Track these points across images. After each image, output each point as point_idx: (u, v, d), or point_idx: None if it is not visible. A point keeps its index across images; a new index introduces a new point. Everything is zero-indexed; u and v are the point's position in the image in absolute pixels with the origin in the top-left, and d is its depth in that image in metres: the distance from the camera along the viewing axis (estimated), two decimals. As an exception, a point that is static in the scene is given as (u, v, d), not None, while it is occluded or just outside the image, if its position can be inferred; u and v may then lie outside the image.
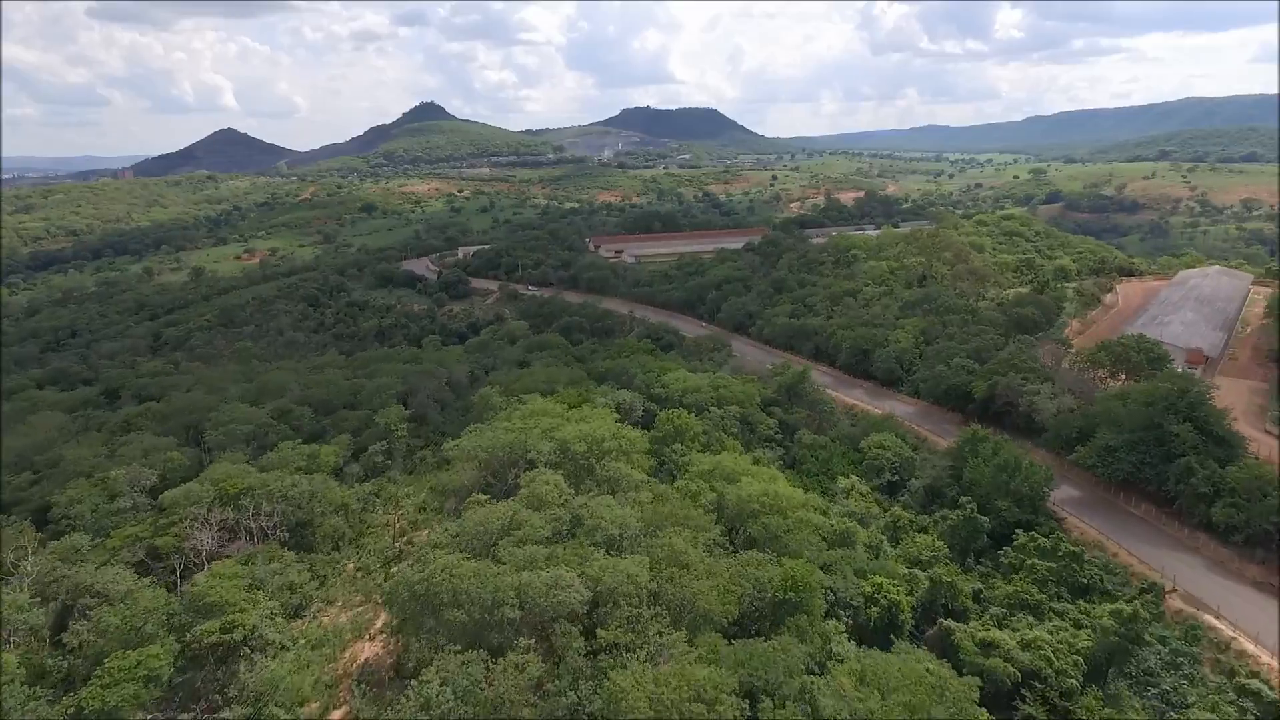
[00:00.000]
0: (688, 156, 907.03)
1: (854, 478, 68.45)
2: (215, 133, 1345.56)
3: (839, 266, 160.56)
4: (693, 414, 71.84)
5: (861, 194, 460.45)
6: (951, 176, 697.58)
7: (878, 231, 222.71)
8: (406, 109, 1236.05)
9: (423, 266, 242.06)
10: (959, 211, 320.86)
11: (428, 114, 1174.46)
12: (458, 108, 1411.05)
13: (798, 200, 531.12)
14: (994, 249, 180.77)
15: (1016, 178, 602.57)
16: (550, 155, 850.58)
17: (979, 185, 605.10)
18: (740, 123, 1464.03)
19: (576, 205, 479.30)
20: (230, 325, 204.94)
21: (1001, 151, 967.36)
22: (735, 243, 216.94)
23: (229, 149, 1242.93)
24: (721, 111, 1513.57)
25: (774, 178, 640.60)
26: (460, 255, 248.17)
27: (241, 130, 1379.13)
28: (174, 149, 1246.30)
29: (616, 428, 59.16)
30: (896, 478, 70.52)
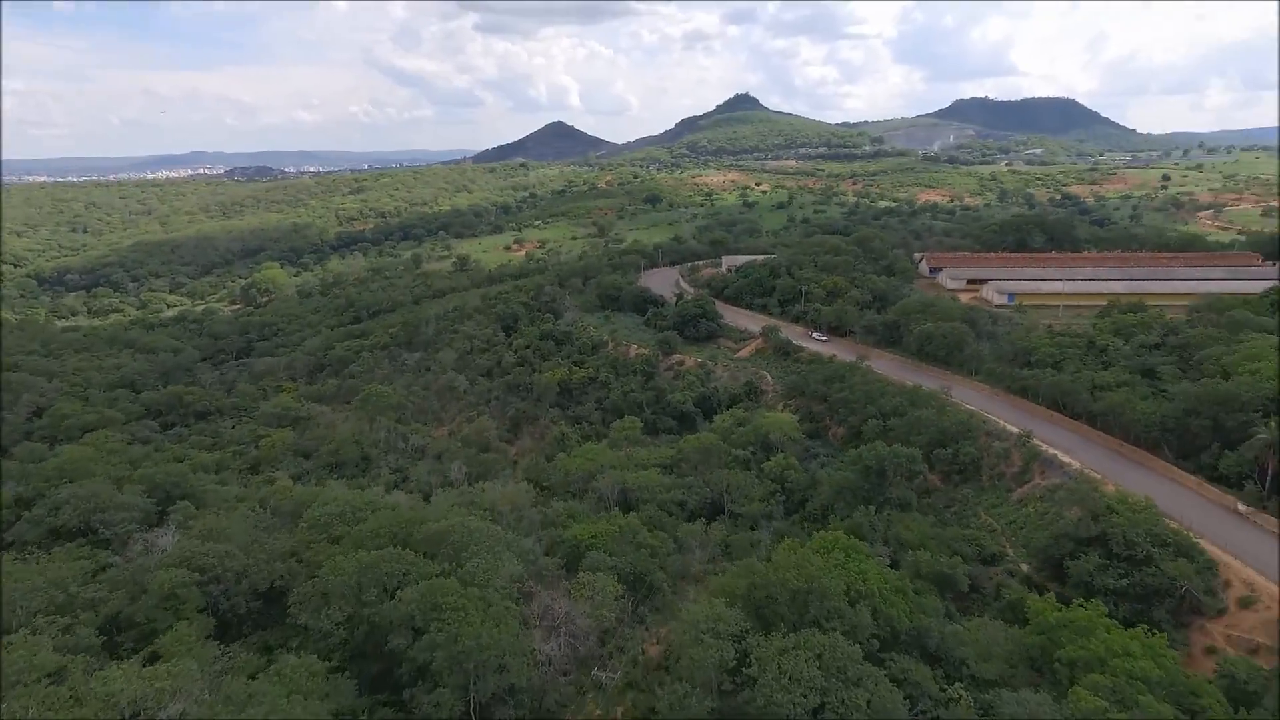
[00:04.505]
0: (1037, 151, 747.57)
1: None
2: (546, 125, 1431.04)
3: None
4: None
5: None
6: None
7: None
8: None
9: (670, 280, 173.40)
10: None
11: (740, 105, 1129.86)
12: (775, 104, 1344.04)
13: (1210, 208, 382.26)
14: None
15: None
16: (866, 148, 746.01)
17: None
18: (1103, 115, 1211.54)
19: (892, 204, 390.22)
20: (409, 345, 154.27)
21: None
22: (1201, 281, 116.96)
23: (556, 141, 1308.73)
24: (1080, 102, 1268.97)
25: (1165, 177, 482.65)
26: (724, 268, 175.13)
27: (578, 126, 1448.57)
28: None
29: None
30: None
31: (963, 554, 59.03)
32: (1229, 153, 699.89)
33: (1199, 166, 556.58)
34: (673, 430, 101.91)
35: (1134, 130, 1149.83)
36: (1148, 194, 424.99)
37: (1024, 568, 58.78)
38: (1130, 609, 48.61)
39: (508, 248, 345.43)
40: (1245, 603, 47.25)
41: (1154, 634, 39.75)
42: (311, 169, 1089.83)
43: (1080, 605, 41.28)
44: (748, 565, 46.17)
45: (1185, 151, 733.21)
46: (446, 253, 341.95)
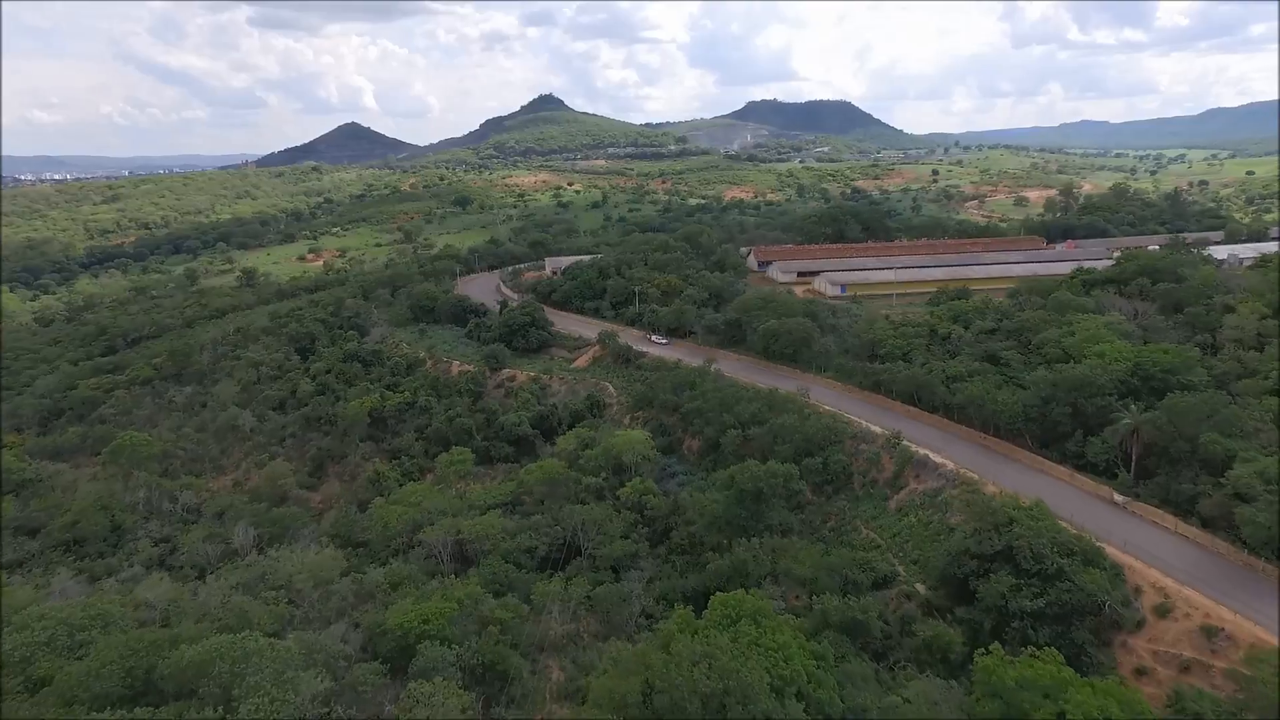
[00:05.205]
0: (825, 149, 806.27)
1: None
2: (339, 127, 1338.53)
3: None
4: None
5: (1053, 192, 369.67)
6: (1154, 173, 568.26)
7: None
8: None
9: (491, 286, 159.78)
10: None
11: (545, 106, 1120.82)
12: (580, 105, 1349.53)
13: (974, 199, 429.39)
14: None
15: (1251, 173, 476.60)
16: (672, 147, 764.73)
17: (1203, 183, 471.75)
18: (876, 116, 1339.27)
19: (702, 201, 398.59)
20: (178, 378, 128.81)
21: (1185, 148, 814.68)
22: (1010, 265, 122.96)
23: (352, 143, 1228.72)
24: (856, 105, 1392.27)
25: (935, 172, 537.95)
26: (549, 270, 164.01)
27: (375, 128, 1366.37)
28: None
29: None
30: None
31: (857, 581, 52.53)
32: (980, 150, 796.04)
33: (959, 163, 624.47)
34: (510, 458, 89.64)
35: (902, 131, 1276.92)
36: (923, 187, 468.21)
37: (920, 588, 53.15)
38: (1050, 632, 43.72)
39: (302, 258, 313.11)
40: (1162, 611, 43.73)
41: (1122, 683, 34.02)
42: (56, 176, 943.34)
43: (1034, 657, 34.79)
44: (640, 656, 35.49)
45: (946, 149, 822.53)
46: (228, 266, 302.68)
